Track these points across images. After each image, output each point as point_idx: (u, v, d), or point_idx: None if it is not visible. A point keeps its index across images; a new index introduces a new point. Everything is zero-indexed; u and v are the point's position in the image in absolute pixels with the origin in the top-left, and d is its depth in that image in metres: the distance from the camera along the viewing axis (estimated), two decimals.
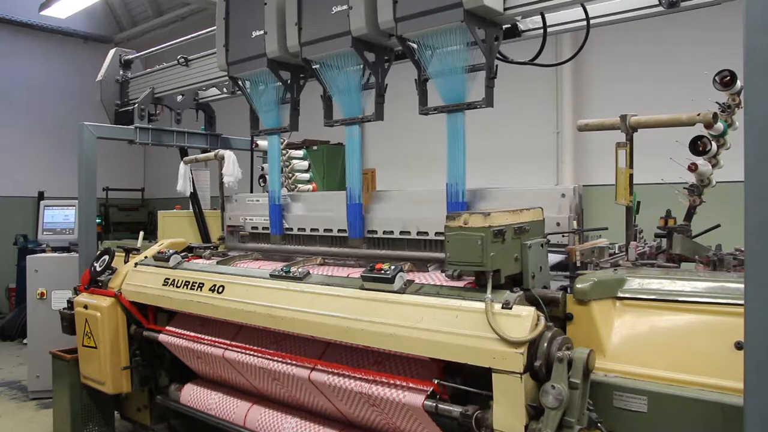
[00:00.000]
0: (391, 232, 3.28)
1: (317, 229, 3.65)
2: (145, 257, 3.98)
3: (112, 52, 5.70)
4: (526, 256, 2.35)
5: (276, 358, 3.04)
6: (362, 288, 2.64)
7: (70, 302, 4.18)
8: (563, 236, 2.79)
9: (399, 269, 2.57)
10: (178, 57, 4.89)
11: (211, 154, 5.02)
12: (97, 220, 5.54)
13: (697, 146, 3.14)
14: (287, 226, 3.81)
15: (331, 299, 2.71)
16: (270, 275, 3.08)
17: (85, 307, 3.94)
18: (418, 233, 3.16)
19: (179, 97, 5.50)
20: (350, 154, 3.44)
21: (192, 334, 3.54)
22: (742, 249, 2.46)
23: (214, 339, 3.41)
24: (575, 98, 7.59)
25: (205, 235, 5.44)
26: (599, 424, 2.06)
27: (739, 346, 1.91)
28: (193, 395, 3.71)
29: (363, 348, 2.66)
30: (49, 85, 12.09)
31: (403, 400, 2.46)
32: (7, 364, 7.44)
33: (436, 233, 3.07)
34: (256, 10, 3.55)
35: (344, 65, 3.28)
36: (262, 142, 5.18)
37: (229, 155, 4.84)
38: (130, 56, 5.67)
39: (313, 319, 2.72)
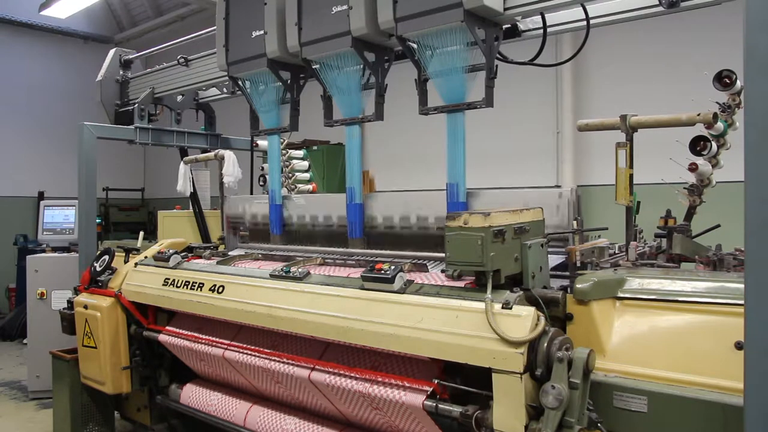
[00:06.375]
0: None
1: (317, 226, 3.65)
2: (145, 257, 3.97)
3: (112, 52, 5.70)
4: (526, 256, 2.35)
5: (276, 358, 3.04)
6: (362, 288, 2.64)
7: (70, 302, 4.18)
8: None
9: (399, 269, 2.57)
10: (178, 57, 4.89)
11: (211, 154, 5.02)
12: (97, 220, 5.54)
13: (697, 146, 3.14)
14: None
15: (331, 299, 2.71)
16: (270, 275, 3.08)
17: (85, 307, 3.93)
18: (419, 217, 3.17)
19: (179, 97, 5.50)
20: (350, 154, 3.44)
21: (192, 334, 3.53)
22: (742, 249, 2.46)
23: (214, 339, 3.41)
24: (575, 98, 7.59)
25: (205, 235, 5.44)
26: (599, 424, 2.06)
27: (739, 346, 1.91)
28: (193, 395, 3.71)
29: (363, 348, 2.66)
30: (49, 85, 12.08)
31: (403, 400, 2.46)
32: (7, 364, 7.44)
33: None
34: (256, 10, 3.55)
35: (344, 65, 3.28)
36: (262, 142, 5.18)
37: (229, 155, 4.84)
38: (130, 56, 5.67)
39: (313, 319, 2.71)
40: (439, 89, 2.96)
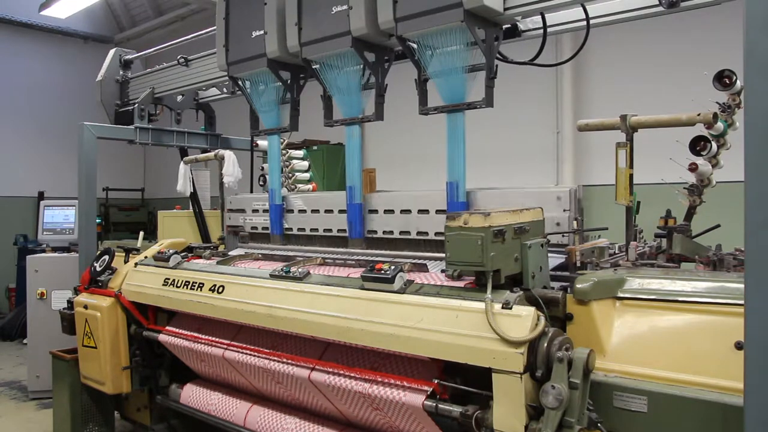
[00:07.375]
0: (391, 232, 3.29)
1: (317, 229, 3.65)
2: (145, 257, 3.97)
3: (112, 52, 5.70)
4: (526, 256, 2.35)
5: (276, 358, 3.04)
6: (362, 288, 2.64)
7: (70, 302, 4.18)
8: (563, 236, 2.78)
9: (399, 269, 2.57)
10: (178, 57, 4.89)
11: (211, 154, 5.02)
12: (97, 220, 5.54)
13: (697, 146, 3.14)
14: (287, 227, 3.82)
15: (331, 299, 2.71)
16: (270, 275, 3.08)
17: (85, 307, 3.94)
18: (418, 233, 3.17)
19: (179, 97, 5.50)
20: (350, 154, 3.44)
21: (192, 334, 3.53)
22: (742, 249, 2.46)
23: (214, 339, 3.41)
24: (575, 98, 7.59)
25: (205, 235, 5.44)
26: (599, 424, 2.06)
27: (739, 346, 1.91)
28: (193, 395, 3.71)
29: (363, 348, 2.66)
30: (49, 85, 12.08)
31: (403, 400, 2.46)
32: (7, 364, 7.45)
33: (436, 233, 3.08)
34: (256, 10, 3.55)
35: (344, 65, 3.28)
36: (262, 142, 5.18)
37: (229, 155, 4.84)
38: (130, 56, 5.67)
39: (313, 319, 2.71)
40: (439, 89, 2.96)
